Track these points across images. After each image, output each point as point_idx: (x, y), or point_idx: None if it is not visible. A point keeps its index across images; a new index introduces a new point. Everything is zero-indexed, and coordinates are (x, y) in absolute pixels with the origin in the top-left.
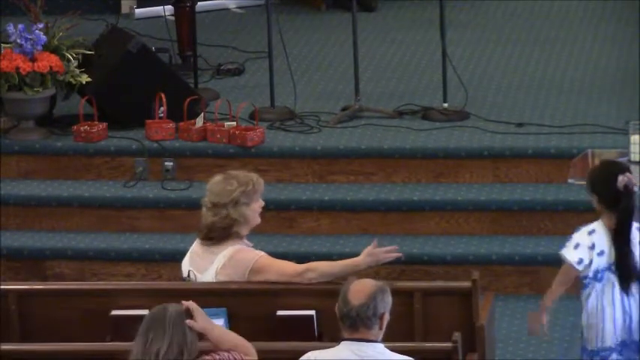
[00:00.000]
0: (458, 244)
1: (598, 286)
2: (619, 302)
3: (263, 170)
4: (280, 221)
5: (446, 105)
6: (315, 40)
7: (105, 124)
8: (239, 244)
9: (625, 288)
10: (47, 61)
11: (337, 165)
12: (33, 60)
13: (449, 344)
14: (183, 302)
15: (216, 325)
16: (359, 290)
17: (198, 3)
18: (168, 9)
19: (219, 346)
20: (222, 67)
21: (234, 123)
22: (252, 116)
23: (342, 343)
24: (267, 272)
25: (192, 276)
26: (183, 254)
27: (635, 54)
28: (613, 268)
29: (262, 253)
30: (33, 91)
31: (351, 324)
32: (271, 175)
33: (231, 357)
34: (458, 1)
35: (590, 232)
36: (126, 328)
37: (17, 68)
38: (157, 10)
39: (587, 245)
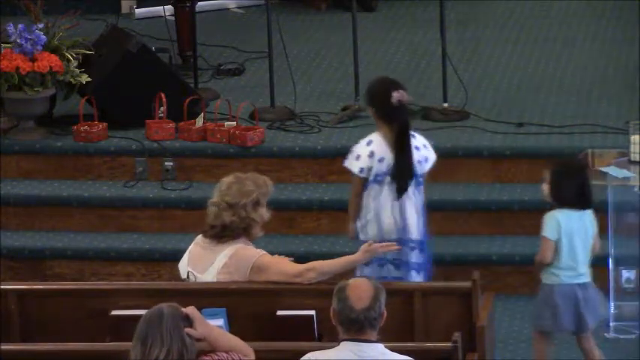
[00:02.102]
0: (458, 244)
1: (377, 187)
2: (396, 203)
3: (263, 170)
4: (280, 221)
5: (446, 105)
6: (315, 40)
7: (105, 124)
8: (240, 243)
9: (401, 191)
10: (47, 61)
11: (337, 165)
12: (33, 60)
13: (449, 344)
14: (183, 309)
15: (214, 327)
16: (360, 294)
17: (198, 3)
18: (168, 9)
19: (218, 348)
20: (222, 67)
21: (234, 123)
22: (252, 116)
23: (342, 343)
24: (268, 271)
25: (191, 277)
26: (183, 254)
27: (635, 54)
28: (392, 172)
29: (263, 251)
30: (33, 91)
31: (359, 327)
32: (271, 175)
33: (229, 358)
34: (458, 0)
35: (369, 143)
36: (126, 328)
37: (17, 68)
38: (157, 10)
39: (367, 154)
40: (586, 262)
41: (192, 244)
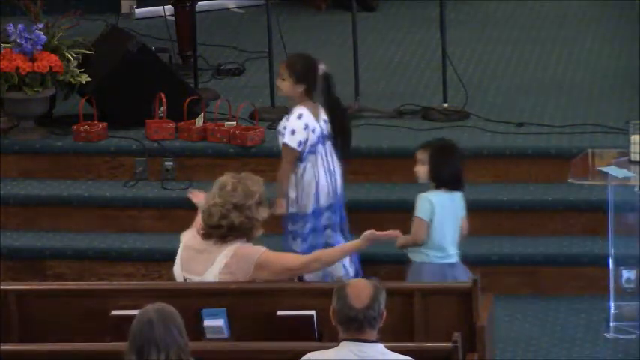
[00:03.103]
0: (458, 244)
1: (312, 157)
2: (328, 168)
3: (263, 170)
4: (280, 221)
5: (446, 105)
6: (315, 40)
7: (105, 124)
8: (238, 242)
9: (347, 153)
10: (47, 61)
11: None
12: (33, 60)
13: (449, 344)
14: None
15: None
16: (360, 293)
17: (198, 3)
18: (168, 9)
19: None
20: (222, 67)
21: (234, 123)
22: (252, 116)
23: (342, 343)
24: (272, 266)
25: (187, 281)
26: None
27: (635, 54)
28: (322, 140)
29: (264, 248)
30: (33, 91)
31: (358, 326)
32: (271, 175)
33: None
34: (458, 0)
35: (300, 117)
36: (126, 328)
37: (17, 68)
38: (157, 10)
39: (302, 128)
40: (455, 242)
41: (180, 249)
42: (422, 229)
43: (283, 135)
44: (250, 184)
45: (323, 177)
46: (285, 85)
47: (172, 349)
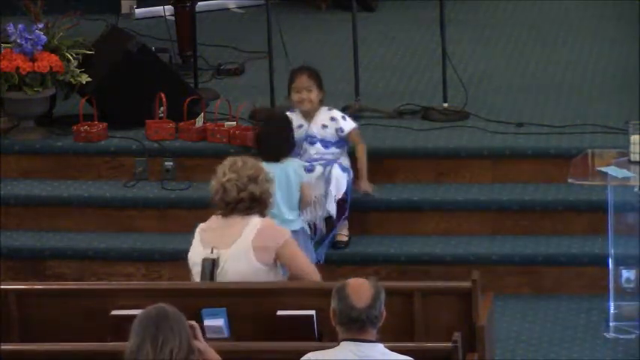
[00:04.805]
0: (458, 244)
1: None
2: None
3: None
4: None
5: (446, 105)
6: (315, 40)
7: (105, 124)
8: (260, 217)
9: None
10: (47, 61)
11: None
12: (33, 60)
13: (449, 344)
14: (190, 322)
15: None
16: (361, 293)
17: (198, 3)
18: (168, 9)
19: None
20: (222, 67)
21: (234, 123)
22: (253, 116)
23: (342, 343)
24: (293, 258)
25: (214, 252)
26: (183, 254)
27: (635, 54)
28: None
29: (288, 234)
30: (33, 91)
31: (360, 326)
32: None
33: None
34: (458, 0)
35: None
36: (126, 328)
37: (17, 68)
38: (157, 10)
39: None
40: (293, 209)
41: (198, 234)
42: None
43: (345, 123)
44: (255, 161)
45: None
46: (315, 95)
47: (184, 335)
